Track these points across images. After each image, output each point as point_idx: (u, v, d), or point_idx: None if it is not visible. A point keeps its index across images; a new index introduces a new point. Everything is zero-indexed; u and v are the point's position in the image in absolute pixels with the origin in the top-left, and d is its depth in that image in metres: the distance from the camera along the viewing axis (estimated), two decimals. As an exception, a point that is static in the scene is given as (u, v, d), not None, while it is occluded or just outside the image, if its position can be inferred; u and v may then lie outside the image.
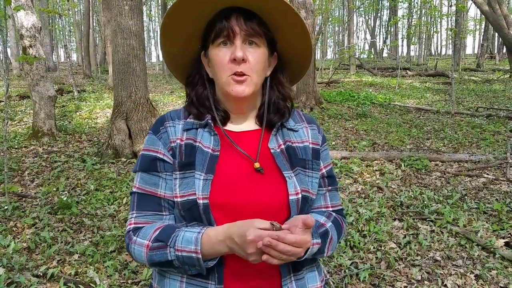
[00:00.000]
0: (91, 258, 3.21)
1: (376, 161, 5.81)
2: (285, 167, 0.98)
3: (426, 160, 5.69)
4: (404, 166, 5.58)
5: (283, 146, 1.02)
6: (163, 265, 0.93)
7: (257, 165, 0.97)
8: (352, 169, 5.43)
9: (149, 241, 0.93)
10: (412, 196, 4.54)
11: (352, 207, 4.20)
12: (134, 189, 1.01)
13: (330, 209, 1.07)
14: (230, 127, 1.04)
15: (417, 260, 3.23)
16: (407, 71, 19.35)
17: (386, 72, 20.18)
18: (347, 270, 3.06)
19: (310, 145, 1.05)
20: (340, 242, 0.90)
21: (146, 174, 0.99)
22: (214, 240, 0.87)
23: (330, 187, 1.07)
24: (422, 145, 6.69)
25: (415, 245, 3.45)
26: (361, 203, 4.33)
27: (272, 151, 1.00)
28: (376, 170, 5.46)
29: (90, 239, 3.55)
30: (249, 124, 1.04)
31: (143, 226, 0.97)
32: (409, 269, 3.10)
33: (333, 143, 6.85)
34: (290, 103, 1.07)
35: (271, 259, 0.81)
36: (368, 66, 21.82)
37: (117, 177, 5.00)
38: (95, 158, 5.73)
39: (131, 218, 1.00)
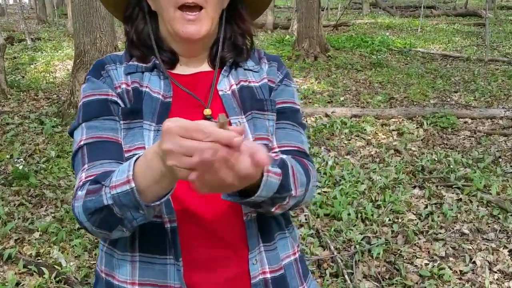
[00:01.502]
0: (55, 236, 3.24)
1: (394, 119, 5.82)
2: (234, 112, 0.99)
3: (453, 117, 5.71)
4: (427, 124, 5.60)
5: (235, 87, 1.03)
6: (103, 219, 0.84)
7: (207, 111, 0.98)
8: (365, 129, 5.45)
9: (88, 187, 0.87)
10: (436, 159, 4.58)
11: (364, 174, 4.24)
12: (81, 143, 0.94)
13: (280, 149, 1.03)
14: (179, 70, 1.04)
15: (440, 233, 3.30)
16: (432, 10, 19.08)
17: (406, 11, 19.89)
18: (357, 246, 3.12)
19: (268, 83, 1.06)
20: (314, 188, 1.01)
21: (97, 121, 0.95)
22: (148, 156, 0.76)
23: (280, 121, 1.04)
24: (448, 99, 6.68)
25: (438, 217, 3.51)
26: (375, 168, 4.37)
27: (220, 93, 1.01)
28: (393, 130, 5.49)
29: (53, 214, 3.59)
30: (202, 66, 1.05)
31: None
32: (431, 244, 3.17)
33: (342, 98, 6.84)
34: (250, 41, 1.07)
35: (198, 183, 0.69)
36: (385, 5, 21.50)
37: (82, 141, 5.02)
38: (55, 119, 5.72)
39: (81, 174, 0.91)
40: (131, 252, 0.94)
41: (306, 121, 5.76)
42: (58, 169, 4.34)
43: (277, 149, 1.02)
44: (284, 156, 0.95)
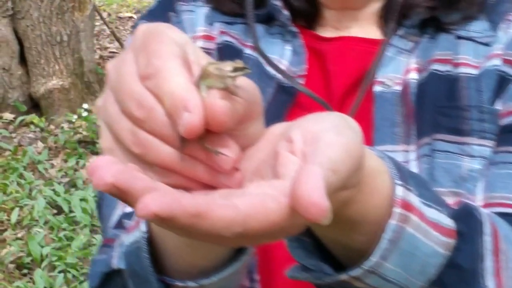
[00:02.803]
0: None
1: None
2: (391, 135, 0.98)
3: None
4: None
5: (414, 77, 1.01)
6: None
7: None
8: None
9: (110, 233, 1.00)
10: None
11: None
12: None
13: (488, 207, 0.94)
14: (320, 30, 1.09)
15: None
16: None
17: None
18: None
19: (502, 66, 1.00)
20: None
21: None
22: None
23: (504, 148, 0.97)
24: None
25: None
26: None
27: (377, 89, 1.01)
28: None
29: None
30: (363, 28, 1.08)
31: None
32: None
33: None
34: None
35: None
36: None
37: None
38: None
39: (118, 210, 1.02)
40: None
41: None
42: None
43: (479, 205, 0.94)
44: (480, 208, 0.85)
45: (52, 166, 5.54)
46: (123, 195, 0.50)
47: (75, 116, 6.07)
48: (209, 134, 0.55)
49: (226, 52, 1.05)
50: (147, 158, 0.56)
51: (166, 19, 1.06)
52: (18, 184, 5.25)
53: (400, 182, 0.68)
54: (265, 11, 1.05)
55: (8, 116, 6.22)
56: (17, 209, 4.95)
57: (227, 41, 1.06)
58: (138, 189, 0.49)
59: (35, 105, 6.37)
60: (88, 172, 0.51)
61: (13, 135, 6.01)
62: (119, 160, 0.56)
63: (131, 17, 8.98)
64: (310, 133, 0.56)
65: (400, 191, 0.68)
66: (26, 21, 6.16)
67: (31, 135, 5.99)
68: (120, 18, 9.04)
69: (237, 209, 0.49)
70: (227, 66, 0.56)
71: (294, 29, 1.05)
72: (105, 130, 0.60)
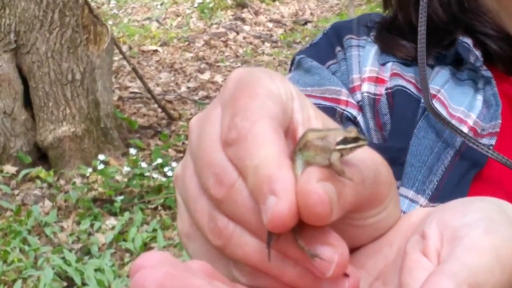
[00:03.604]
0: None
1: None
2: None
3: None
4: None
5: None
6: None
7: None
8: None
9: None
10: None
11: None
12: None
13: None
14: None
15: None
16: None
17: None
18: None
19: None
20: None
21: None
22: None
23: None
24: None
25: None
26: None
27: None
28: None
29: None
30: None
31: None
32: None
33: None
34: None
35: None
36: None
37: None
38: None
39: None
40: None
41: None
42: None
43: None
44: None
45: (62, 229, 5.25)
46: None
47: (90, 169, 5.77)
48: (306, 226, 0.45)
49: (398, 98, 0.97)
50: (228, 252, 0.47)
51: (331, 55, 1.04)
52: (21, 251, 4.92)
53: None
54: (452, 52, 0.96)
55: (9, 169, 6.00)
56: (19, 281, 4.62)
57: (400, 85, 0.97)
58: None
59: (42, 156, 6.16)
60: (130, 272, 0.45)
61: (16, 191, 5.78)
62: (198, 251, 0.53)
63: (156, 51, 8.75)
64: (449, 228, 0.47)
65: None
66: (32, 56, 6.02)
67: (37, 192, 5.73)
68: (143, 51, 8.88)
69: None
70: (336, 135, 0.49)
71: (488, 73, 0.95)
72: (183, 208, 0.53)
